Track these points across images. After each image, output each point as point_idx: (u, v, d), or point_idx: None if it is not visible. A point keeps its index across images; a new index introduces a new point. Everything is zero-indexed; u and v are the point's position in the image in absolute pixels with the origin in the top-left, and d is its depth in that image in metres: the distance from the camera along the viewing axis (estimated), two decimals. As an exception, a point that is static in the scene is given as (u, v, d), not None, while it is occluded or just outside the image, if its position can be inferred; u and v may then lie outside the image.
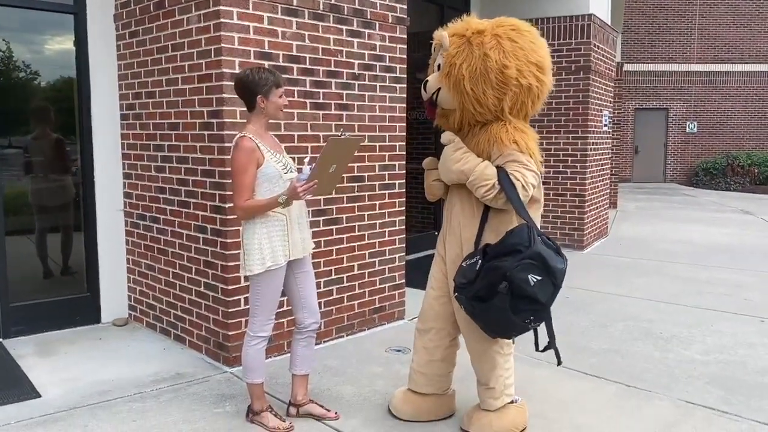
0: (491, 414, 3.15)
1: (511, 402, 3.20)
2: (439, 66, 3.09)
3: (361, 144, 4.55)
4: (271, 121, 3.21)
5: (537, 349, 3.01)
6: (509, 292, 2.72)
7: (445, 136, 3.10)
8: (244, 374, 3.27)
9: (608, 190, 9.55)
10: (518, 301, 2.73)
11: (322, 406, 3.42)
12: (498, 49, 2.90)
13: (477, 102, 2.96)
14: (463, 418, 3.26)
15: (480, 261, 2.86)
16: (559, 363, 3.05)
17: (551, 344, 2.95)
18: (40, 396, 3.62)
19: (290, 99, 4.10)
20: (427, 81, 3.13)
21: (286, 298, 3.34)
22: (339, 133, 3.47)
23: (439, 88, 3.05)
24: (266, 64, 3.92)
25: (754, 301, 5.73)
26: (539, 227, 3.16)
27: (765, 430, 3.29)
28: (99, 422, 3.31)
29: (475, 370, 3.22)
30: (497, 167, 2.93)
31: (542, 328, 2.93)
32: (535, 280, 2.72)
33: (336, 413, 3.40)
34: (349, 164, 4.51)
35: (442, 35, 3.05)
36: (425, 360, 3.32)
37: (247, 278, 3.26)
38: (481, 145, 3.02)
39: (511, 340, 3.17)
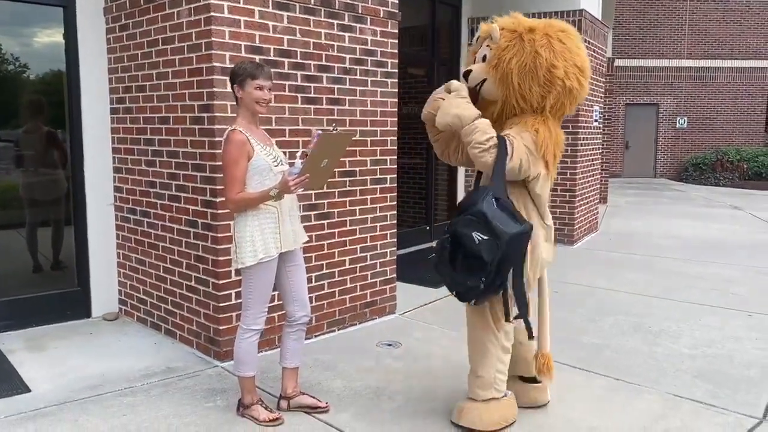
0: (481, 407, 3.16)
1: (503, 396, 3.22)
2: (484, 57, 3.11)
3: (353, 139, 4.56)
4: (261, 115, 3.21)
5: (506, 319, 3.06)
6: (455, 247, 2.83)
7: (455, 83, 3.10)
8: (236, 367, 3.28)
9: (598, 185, 9.59)
10: (471, 260, 2.81)
11: (313, 397, 3.44)
12: (549, 49, 2.97)
13: (521, 97, 3.02)
14: (452, 411, 3.28)
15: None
16: (531, 337, 3.11)
17: (522, 314, 3.01)
18: (30, 391, 3.61)
19: (281, 93, 4.10)
20: (470, 70, 3.16)
21: (277, 292, 3.35)
22: (331, 128, 3.48)
23: (485, 79, 3.09)
24: (257, 58, 3.91)
25: (742, 295, 5.78)
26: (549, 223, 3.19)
27: (751, 423, 3.33)
28: (89, 416, 3.30)
29: (468, 358, 3.25)
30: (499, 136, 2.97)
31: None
32: (480, 238, 2.79)
33: (326, 404, 3.42)
34: (341, 159, 4.51)
35: (493, 27, 3.08)
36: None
37: (238, 272, 3.26)
38: (506, 128, 3.07)
39: (508, 338, 3.17)
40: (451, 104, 3.02)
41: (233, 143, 3.02)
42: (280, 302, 3.39)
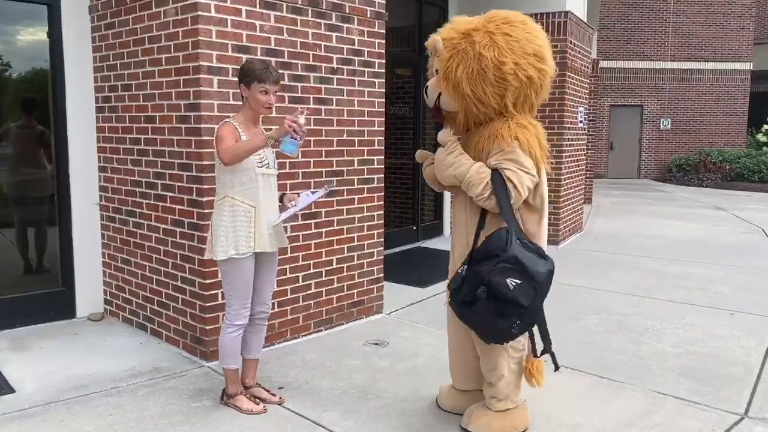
0: (491, 413, 3.12)
1: (516, 406, 3.17)
2: (437, 71, 3.04)
3: (339, 138, 4.60)
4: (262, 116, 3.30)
5: (534, 355, 3.05)
6: (489, 296, 2.70)
7: (441, 136, 3.06)
8: (220, 359, 3.36)
9: (583, 186, 9.67)
10: (503, 305, 2.71)
11: (268, 391, 3.52)
12: (492, 47, 2.85)
13: (479, 102, 2.91)
14: (463, 416, 3.24)
15: (465, 267, 2.87)
16: (556, 368, 3.07)
17: (547, 349, 2.99)
18: (14, 391, 3.58)
19: (268, 93, 4.09)
20: (428, 87, 3.11)
21: None
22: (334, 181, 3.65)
23: (441, 93, 3.02)
24: (244, 57, 3.91)
25: (725, 294, 5.85)
26: (546, 238, 3.09)
27: (733, 419, 3.38)
28: (75, 417, 3.28)
29: (482, 369, 3.21)
30: (493, 169, 2.89)
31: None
32: (514, 283, 2.69)
33: (280, 397, 3.49)
34: (328, 159, 4.54)
35: (435, 39, 3.00)
36: (459, 359, 3.33)
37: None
38: (482, 142, 2.97)
39: (521, 345, 3.12)
40: (443, 165, 2.99)
41: (223, 128, 3.11)
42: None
